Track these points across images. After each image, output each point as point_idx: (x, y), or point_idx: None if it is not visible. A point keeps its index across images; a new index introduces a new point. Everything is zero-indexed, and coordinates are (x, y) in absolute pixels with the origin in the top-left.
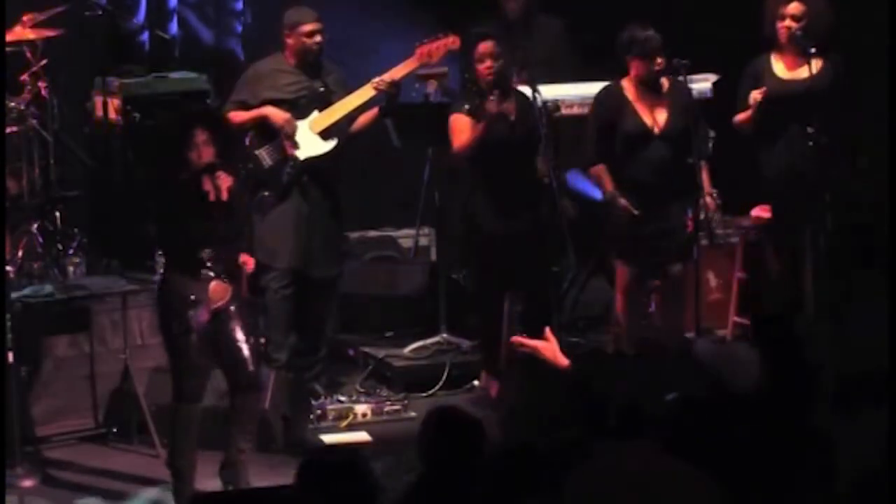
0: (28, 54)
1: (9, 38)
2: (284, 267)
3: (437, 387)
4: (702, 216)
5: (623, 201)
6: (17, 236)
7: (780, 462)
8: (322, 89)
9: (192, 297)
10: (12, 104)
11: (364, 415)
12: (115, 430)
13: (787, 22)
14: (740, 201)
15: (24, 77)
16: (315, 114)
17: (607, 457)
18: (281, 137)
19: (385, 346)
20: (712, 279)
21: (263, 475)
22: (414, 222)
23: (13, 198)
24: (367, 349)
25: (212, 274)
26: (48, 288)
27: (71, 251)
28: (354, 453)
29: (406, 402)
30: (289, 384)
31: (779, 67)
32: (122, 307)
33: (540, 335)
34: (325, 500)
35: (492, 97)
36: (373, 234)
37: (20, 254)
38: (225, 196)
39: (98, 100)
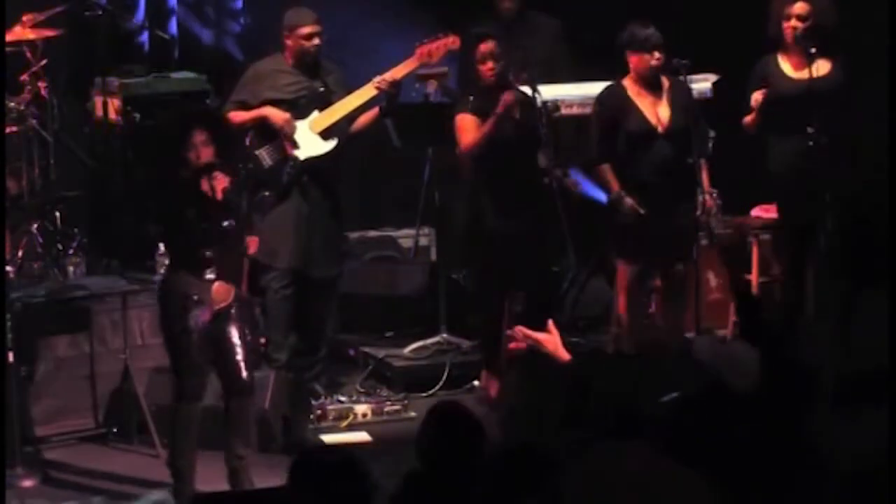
0: (28, 54)
1: (9, 38)
2: (284, 267)
3: (437, 387)
4: (700, 213)
5: (629, 201)
6: (17, 236)
7: (780, 462)
8: (322, 89)
9: (195, 296)
10: (12, 104)
11: (364, 415)
12: (115, 430)
13: (793, 22)
14: (740, 201)
15: (24, 77)
16: (315, 114)
17: (607, 457)
18: (281, 137)
19: (385, 346)
20: (712, 279)
21: (263, 475)
22: (414, 222)
23: (13, 198)
24: (367, 349)
25: (214, 275)
26: (48, 288)
27: (71, 251)
28: (348, 453)
29: (406, 402)
30: (289, 384)
31: (787, 67)
32: (122, 307)
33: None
34: (320, 499)
35: (508, 91)
36: (373, 234)
37: (20, 254)
38: (220, 196)
39: (98, 100)
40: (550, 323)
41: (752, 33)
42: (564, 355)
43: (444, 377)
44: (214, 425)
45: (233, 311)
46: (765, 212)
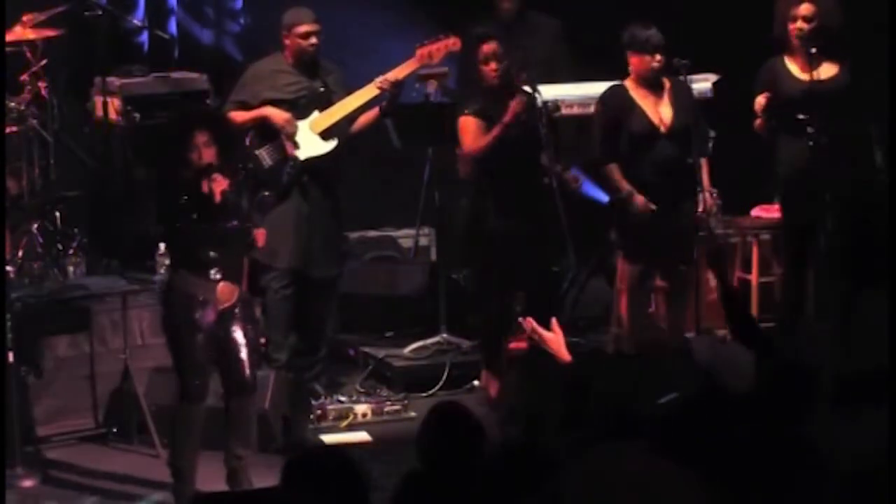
0: (28, 54)
1: (9, 38)
2: (284, 267)
3: (437, 387)
4: (699, 210)
5: (640, 199)
6: (17, 236)
7: (779, 462)
8: (322, 89)
9: (200, 297)
10: (12, 104)
11: (364, 415)
12: (115, 430)
13: (799, 24)
14: (740, 201)
15: (24, 77)
16: (315, 114)
17: (607, 457)
18: (281, 138)
19: (385, 346)
20: (712, 279)
21: (263, 475)
22: (414, 222)
23: (13, 198)
24: (367, 349)
25: (219, 276)
26: (48, 288)
27: (71, 251)
28: (341, 453)
29: (406, 402)
30: (289, 384)
31: (794, 69)
32: (122, 307)
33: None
34: (314, 500)
35: (517, 98)
36: (373, 234)
37: (20, 254)
38: (218, 198)
39: (98, 100)
40: (555, 322)
41: (752, 33)
42: (566, 356)
43: (444, 377)
44: (214, 425)
45: (237, 310)
46: (765, 212)
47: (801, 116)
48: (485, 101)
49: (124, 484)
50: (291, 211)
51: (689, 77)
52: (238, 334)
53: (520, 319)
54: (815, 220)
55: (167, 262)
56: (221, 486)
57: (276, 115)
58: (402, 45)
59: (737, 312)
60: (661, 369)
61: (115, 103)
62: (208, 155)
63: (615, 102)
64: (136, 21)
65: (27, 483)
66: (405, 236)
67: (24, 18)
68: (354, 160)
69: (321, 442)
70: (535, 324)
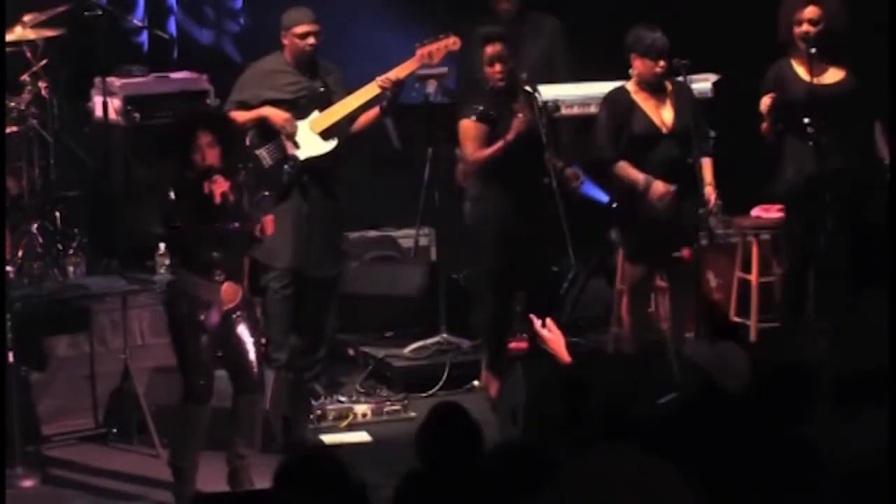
0: (28, 54)
1: (9, 38)
2: (284, 267)
3: (437, 387)
4: (701, 210)
5: (659, 183)
6: (17, 236)
7: (779, 463)
8: (322, 89)
9: (204, 298)
10: (12, 104)
11: (364, 415)
12: (115, 430)
13: (805, 27)
14: (740, 201)
15: (24, 77)
16: (315, 114)
17: (607, 457)
18: (281, 137)
19: (385, 346)
20: (712, 279)
21: (263, 476)
22: (414, 222)
23: (13, 198)
24: (367, 349)
25: (223, 276)
26: (48, 288)
27: (71, 251)
28: (332, 455)
29: (406, 402)
30: (289, 384)
31: (801, 71)
32: (122, 307)
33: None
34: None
35: (519, 115)
36: (373, 234)
37: (20, 254)
38: (218, 200)
39: (98, 100)
40: (551, 323)
41: (752, 33)
42: (566, 357)
43: (444, 377)
44: (214, 425)
45: (241, 310)
46: (765, 212)
47: (806, 120)
48: (488, 102)
49: (124, 484)
50: (291, 211)
51: (689, 77)
52: (245, 334)
53: (531, 317)
54: (816, 221)
55: (167, 262)
56: (222, 486)
57: (276, 115)
58: (401, 45)
59: (715, 318)
60: (661, 369)
61: (115, 103)
62: (212, 156)
63: (618, 105)
64: (136, 21)
65: (27, 483)
66: (405, 236)
67: (24, 18)
68: (354, 160)
69: (320, 442)
70: (537, 321)
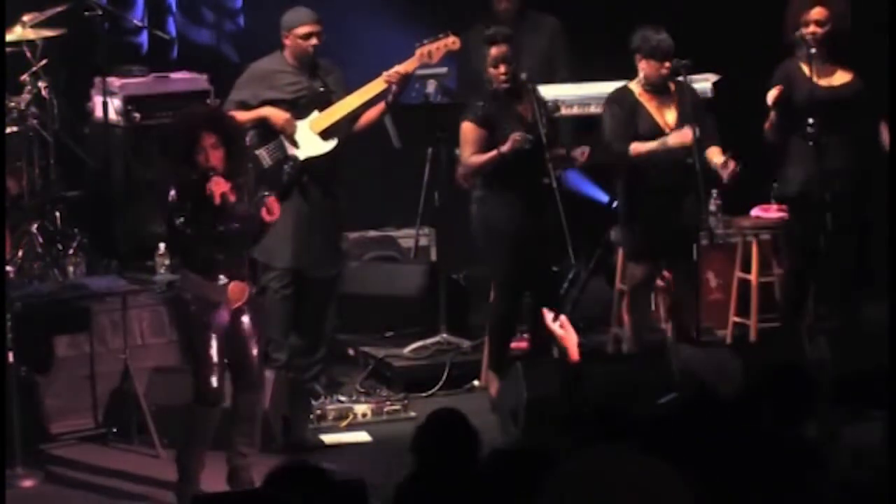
0: (28, 54)
1: (9, 38)
2: (284, 267)
3: (437, 387)
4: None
5: (675, 133)
6: (17, 236)
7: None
8: (322, 89)
9: (211, 298)
10: (12, 104)
11: (364, 415)
12: (115, 430)
13: (812, 28)
14: (740, 201)
15: (24, 77)
16: (315, 113)
17: (607, 457)
18: (281, 137)
19: (385, 346)
20: (712, 279)
21: (263, 476)
22: (414, 222)
23: (13, 198)
24: (367, 349)
25: (226, 277)
26: (48, 288)
27: (71, 251)
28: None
29: (406, 402)
30: (289, 384)
31: (808, 72)
32: (122, 307)
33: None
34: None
35: (516, 136)
36: (373, 234)
37: (20, 254)
38: (217, 201)
39: (98, 100)
40: (565, 320)
41: (752, 34)
42: (575, 356)
43: (444, 377)
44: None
45: (247, 308)
46: (765, 212)
47: (811, 120)
48: (490, 104)
49: (124, 484)
50: (291, 211)
51: (689, 77)
52: (249, 331)
53: (542, 311)
54: (817, 221)
55: (167, 262)
56: (222, 486)
57: (276, 115)
58: (401, 45)
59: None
60: (661, 369)
61: (115, 103)
62: (215, 157)
63: (625, 103)
64: (135, 21)
65: (27, 483)
66: (405, 236)
67: (24, 18)
68: (354, 160)
69: (321, 442)
70: (550, 320)
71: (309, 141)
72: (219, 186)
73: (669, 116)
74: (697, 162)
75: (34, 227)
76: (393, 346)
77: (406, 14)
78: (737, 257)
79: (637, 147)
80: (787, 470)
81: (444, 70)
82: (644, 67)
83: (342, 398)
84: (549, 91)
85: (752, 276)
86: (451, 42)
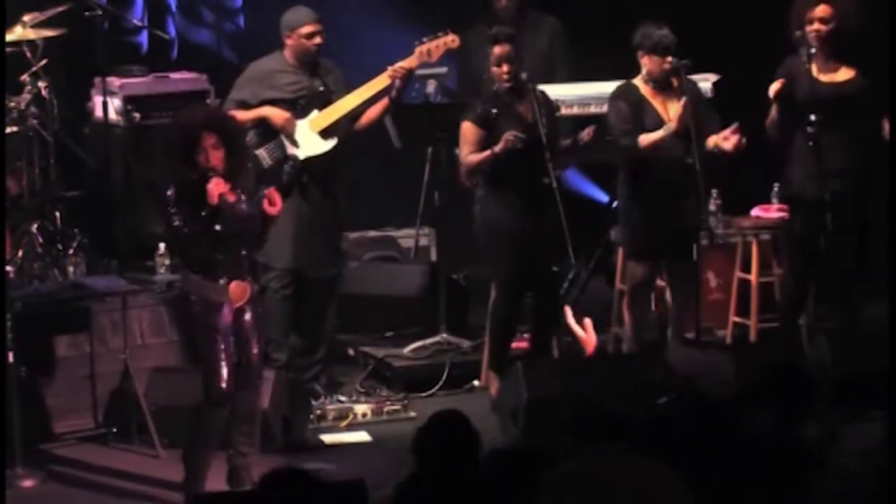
0: (28, 54)
1: (9, 38)
2: (284, 267)
3: (437, 387)
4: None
5: (675, 118)
6: (17, 236)
7: (778, 463)
8: (322, 89)
9: (213, 299)
10: (12, 104)
11: (364, 415)
12: (115, 430)
13: (816, 25)
14: (740, 201)
15: (24, 77)
16: (315, 113)
17: (607, 457)
18: (280, 137)
19: (385, 346)
20: (712, 279)
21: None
22: (414, 222)
23: (13, 198)
24: (367, 349)
25: (226, 277)
26: (48, 288)
27: (71, 251)
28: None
29: (406, 402)
30: (289, 384)
31: (813, 69)
32: (122, 307)
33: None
34: None
35: (508, 136)
36: (373, 234)
37: (20, 254)
38: (215, 201)
39: (98, 100)
40: (589, 323)
41: (752, 34)
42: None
43: (444, 377)
44: None
45: (249, 307)
46: (765, 212)
47: (813, 117)
48: (491, 104)
49: (124, 484)
50: (291, 211)
51: (688, 77)
52: (251, 330)
53: (565, 308)
54: (817, 221)
55: (167, 262)
56: (222, 485)
57: (276, 114)
58: (401, 44)
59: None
60: (661, 369)
61: (115, 103)
62: (215, 157)
63: (631, 97)
64: (135, 21)
65: (27, 483)
66: (405, 236)
67: (24, 18)
68: (354, 160)
69: (321, 442)
70: (571, 318)
71: (309, 140)
72: (217, 187)
73: (673, 111)
74: (697, 162)
75: (34, 227)
76: (393, 346)
77: (406, 13)
78: (737, 257)
79: (645, 139)
80: (787, 470)
81: (444, 70)
82: (647, 63)
83: (342, 398)
84: (548, 91)
85: (752, 276)
86: (451, 40)
